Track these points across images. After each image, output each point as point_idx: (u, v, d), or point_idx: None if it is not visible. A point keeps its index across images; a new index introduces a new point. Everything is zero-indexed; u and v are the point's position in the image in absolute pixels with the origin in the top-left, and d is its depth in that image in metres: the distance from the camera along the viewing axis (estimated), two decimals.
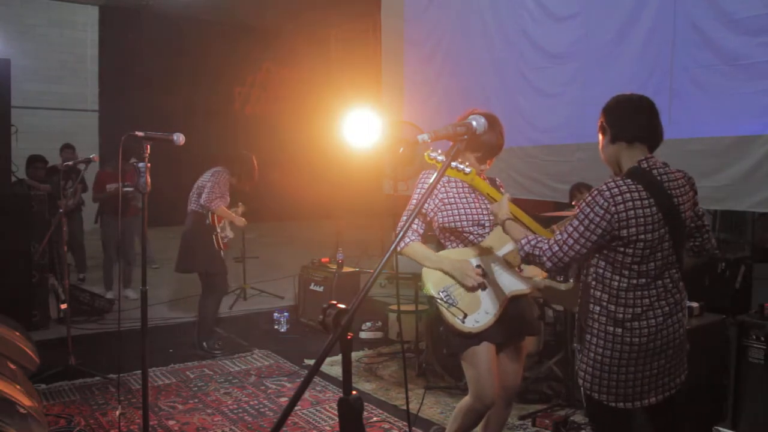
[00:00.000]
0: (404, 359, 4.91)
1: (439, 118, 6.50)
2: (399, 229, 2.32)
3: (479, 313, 2.72)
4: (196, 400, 4.31)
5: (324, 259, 6.45)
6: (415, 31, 7.54)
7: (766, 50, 4.32)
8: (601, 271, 2.24)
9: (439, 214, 2.82)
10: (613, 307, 2.20)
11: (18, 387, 3.16)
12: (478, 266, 2.78)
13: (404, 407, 3.94)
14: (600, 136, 2.38)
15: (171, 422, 3.93)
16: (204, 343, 5.28)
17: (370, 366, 5.02)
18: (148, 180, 3.13)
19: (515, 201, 2.60)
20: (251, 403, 4.28)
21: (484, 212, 2.82)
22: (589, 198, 2.19)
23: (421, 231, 2.86)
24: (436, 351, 4.51)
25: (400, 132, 6.20)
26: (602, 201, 2.14)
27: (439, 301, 2.74)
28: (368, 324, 5.89)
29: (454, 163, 2.53)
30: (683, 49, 4.81)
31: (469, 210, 2.80)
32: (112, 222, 7.19)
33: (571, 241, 2.18)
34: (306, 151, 14.53)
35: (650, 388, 2.24)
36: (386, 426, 3.90)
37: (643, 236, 2.14)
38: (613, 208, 2.12)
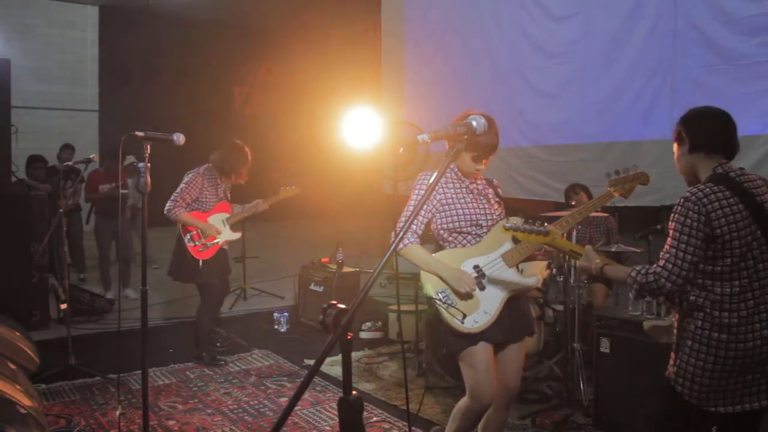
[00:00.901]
0: (404, 359, 4.91)
1: (438, 118, 6.50)
2: (398, 229, 2.33)
3: (478, 313, 2.73)
4: (196, 400, 4.30)
5: (324, 259, 6.44)
6: (415, 31, 7.54)
7: (766, 50, 4.33)
8: (700, 281, 2.22)
9: (438, 215, 2.82)
10: (717, 313, 2.18)
11: (18, 387, 3.16)
12: (476, 266, 2.78)
13: (404, 407, 3.94)
14: (676, 146, 2.38)
15: (171, 422, 3.93)
16: (204, 354, 5.05)
17: (370, 366, 5.02)
18: (148, 180, 3.13)
19: (515, 201, 2.61)
20: (251, 403, 4.28)
21: (481, 213, 2.82)
22: (678, 208, 2.18)
23: (420, 232, 2.87)
24: (436, 351, 4.51)
25: (400, 132, 6.20)
26: (692, 205, 2.15)
27: (437, 301, 2.75)
28: (368, 324, 5.89)
29: (529, 228, 2.47)
30: (683, 49, 4.81)
31: (467, 211, 2.80)
32: (104, 222, 7.16)
33: (680, 254, 2.16)
34: (306, 151, 14.53)
35: (751, 392, 2.20)
36: (386, 426, 3.90)
37: (736, 233, 2.13)
38: (704, 209, 2.13)
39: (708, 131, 2.29)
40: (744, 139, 4.38)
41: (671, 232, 2.20)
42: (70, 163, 5.78)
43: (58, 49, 13.50)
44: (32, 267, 5.92)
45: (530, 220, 2.58)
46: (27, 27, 13.04)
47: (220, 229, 4.98)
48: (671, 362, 2.32)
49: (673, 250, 2.17)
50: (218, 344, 5.33)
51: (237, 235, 5.16)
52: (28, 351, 4.05)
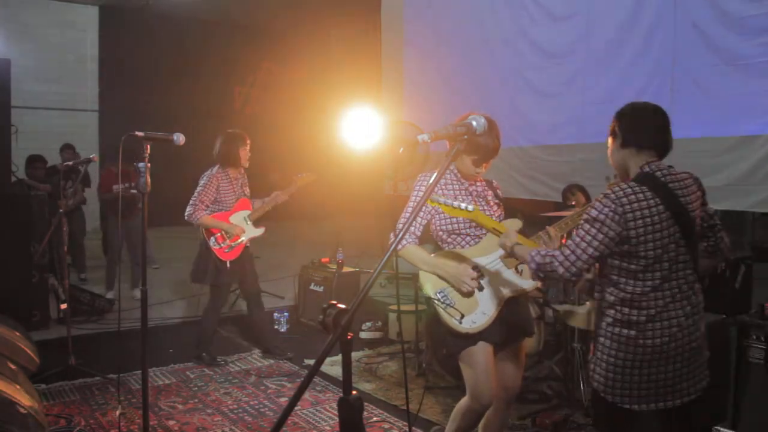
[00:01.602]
0: (404, 359, 4.91)
1: (438, 118, 6.50)
2: (398, 230, 2.33)
3: (476, 314, 2.73)
4: (196, 400, 4.30)
5: (324, 259, 6.44)
6: (415, 31, 7.54)
7: (766, 50, 4.33)
8: (614, 277, 2.25)
9: (437, 216, 2.82)
10: (627, 310, 2.21)
11: (18, 387, 3.16)
12: (475, 268, 2.78)
13: (404, 407, 3.94)
14: (610, 140, 2.41)
15: (171, 422, 3.93)
16: (204, 354, 5.04)
17: (370, 366, 5.02)
18: (148, 180, 3.13)
19: (516, 201, 2.61)
20: (251, 403, 4.28)
21: None
22: (595, 202, 2.20)
23: (419, 233, 2.87)
24: (436, 351, 4.49)
25: (400, 132, 6.20)
26: (609, 202, 2.17)
27: (436, 302, 2.75)
28: (368, 324, 5.89)
29: (455, 203, 2.51)
30: (684, 49, 4.81)
31: None
32: (117, 223, 7.18)
33: (584, 245, 2.19)
34: (306, 151, 14.53)
35: (666, 391, 2.23)
36: (386, 426, 3.90)
37: (651, 236, 2.15)
38: (620, 209, 2.15)
39: (639, 127, 2.30)
40: (744, 139, 4.41)
41: (582, 222, 2.23)
42: (70, 163, 5.78)
43: (58, 49, 13.49)
44: (32, 267, 5.92)
45: (457, 197, 2.67)
46: (27, 27, 13.03)
47: (244, 228, 4.95)
48: (590, 358, 2.36)
49: (578, 240, 2.21)
50: (218, 358, 5.15)
51: (261, 231, 5.09)
52: (28, 351, 4.06)
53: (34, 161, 7.76)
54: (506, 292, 2.78)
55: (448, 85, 6.96)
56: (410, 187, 2.79)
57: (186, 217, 4.76)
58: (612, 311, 2.25)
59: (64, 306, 5.15)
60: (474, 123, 2.05)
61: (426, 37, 7.34)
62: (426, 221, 2.86)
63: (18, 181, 7.41)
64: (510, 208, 3.05)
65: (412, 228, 2.83)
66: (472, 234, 2.81)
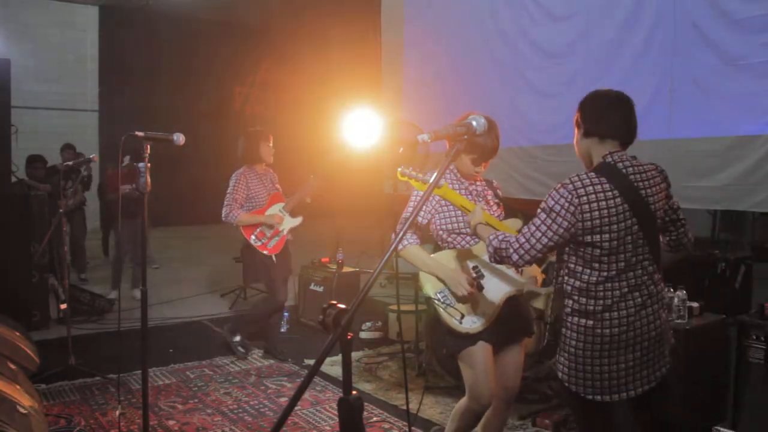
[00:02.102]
0: (404, 359, 4.91)
1: (438, 118, 6.49)
2: (398, 230, 2.33)
3: (477, 314, 2.73)
4: (196, 400, 4.31)
5: (324, 259, 6.45)
6: (414, 31, 7.54)
7: (766, 50, 4.32)
8: (572, 266, 2.26)
9: (437, 216, 2.82)
10: (584, 300, 2.22)
11: (18, 387, 3.16)
12: (475, 267, 2.78)
13: (404, 407, 3.94)
14: (575, 130, 2.40)
15: (171, 422, 3.93)
16: (234, 337, 5.06)
17: (370, 366, 5.02)
18: (148, 180, 3.13)
19: (516, 201, 2.61)
20: (251, 403, 4.28)
21: None
22: (553, 192, 2.20)
23: (420, 233, 2.87)
24: (436, 351, 4.51)
25: (400, 132, 6.20)
26: (565, 193, 2.16)
27: (436, 302, 2.75)
28: (368, 324, 5.89)
29: (420, 176, 2.56)
30: (683, 49, 4.81)
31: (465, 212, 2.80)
32: (125, 223, 7.21)
33: (538, 234, 2.20)
34: (306, 151, 14.52)
35: (627, 381, 2.24)
36: (386, 426, 3.90)
37: (608, 227, 2.15)
38: (576, 200, 2.14)
39: (601, 116, 2.29)
40: (744, 139, 4.41)
41: (539, 211, 2.23)
42: (70, 163, 5.78)
43: (58, 49, 13.50)
44: (32, 267, 5.92)
45: (426, 171, 2.68)
46: (27, 27, 13.04)
47: (282, 216, 5.00)
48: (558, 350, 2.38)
49: (533, 228, 2.22)
50: (241, 348, 5.20)
51: (299, 220, 5.12)
52: (28, 351, 4.06)
53: (34, 161, 7.77)
54: (506, 291, 2.78)
55: (448, 85, 6.96)
56: (410, 187, 2.79)
57: (223, 218, 4.82)
58: (570, 301, 2.26)
59: (64, 306, 5.15)
60: (474, 123, 2.05)
61: (426, 37, 7.33)
62: (426, 221, 2.86)
63: (18, 181, 7.41)
64: (510, 208, 3.05)
65: (413, 228, 2.83)
66: (472, 234, 2.81)
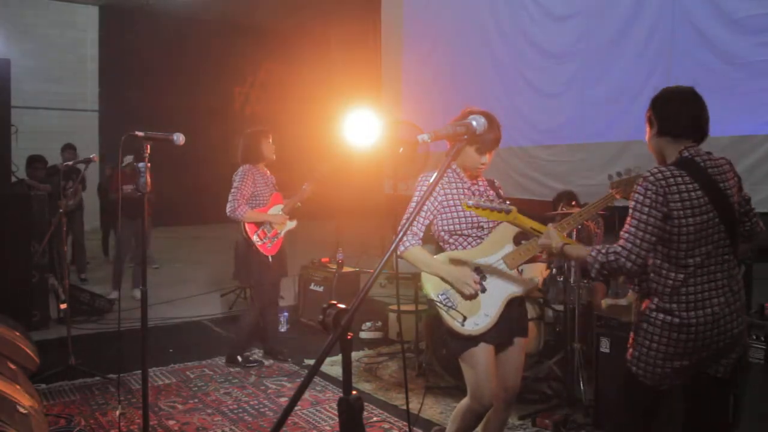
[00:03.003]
0: (404, 359, 4.91)
1: (438, 118, 6.50)
2: (399, 230, 2.32)
3: (479, 315, 2.73)
4: (196, 400, 4.31)
5: (324, 259, 6.44)
6: (413, 30, 7.55)
7: (764, 50, 4.33)
8: (658, 264, 2.25)
9: (439, 216, 2.82)
10: (668, 298, 2.23)
11: (18, 387, 3.16)
12: (477, 269, 2.78)
13: (404, 407, 3.94)
14: (647, 127, 2.39)
15: (171, 422, 3.93)
16: (238, 357, 5.01)
17: (370, 366, 5.02)
18: (148, 180, 3.13)
19: (516, 201, 2.59)
20: (251, 403, 4.28)
21: None
22: (638, 187, 2.21)
23: (421, 234, 2.86)
24: (436, 351, 4.51)
25: (400, 131, 6.20)
26: (650, 185, 2.17)
27: (438, 304, 2.74)
28: (368, 324, 5.89)
29: (491, 205, 2.47)
30: (682, 48, 4.82)
31: (468, 212, 2.79)
32: (126, 224, 7.23)
33: (639, 233, 2.18)
34: (306, 151, 14.52)
35: (703, 366, 2.27)
36: (386, 426, 3.90)
37: (691, 219, 2.15)
38: (662, 190, 2.15)
39: (674, 116, 2.29)
40: (743, 139, 4.41)
41: (631, 211, 2.22)
42: (70, 163, 5.78)
43: (58, 49, 13.51)
44: (32, 267, 5.92)
45: (492, 198, 2.61)
46: (27, 27, 13.05)
47: (285, 217, 4.99)
48: (629, 342, 2.36)
49: (633, 229, 2.19)
50: (253, 358, 5.14)
51: (294, 223, 5.14)
52: (28, 351, 4.06)
53: (34, 162, 7.77)
54: (508, 293, 2.78)
55: (447, 85, 6.97)
56: (410, 186, 2.78)
57: (229, 213, 4.74)
58: (655, 298, 2.26)
59: (64, 306, 5.15)
60: (474, 123, 2.05)
61: (425, 37, 7.34)
62: (428, 221, 2.85)
63: (18, 181, 7.41)
64: None
65: (415, 229, 2.81)
66: (474, 235, 2.81)
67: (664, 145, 2.32)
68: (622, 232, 2.23)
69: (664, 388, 2.28)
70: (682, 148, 2.27)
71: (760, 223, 2.44)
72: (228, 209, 4.73)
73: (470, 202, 2.47)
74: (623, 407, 2.56)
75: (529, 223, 2.55)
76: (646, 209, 2.17)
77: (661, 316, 2.24)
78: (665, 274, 2.23)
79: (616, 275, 2.36)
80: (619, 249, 2.20)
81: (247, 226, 4.80)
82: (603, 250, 2.25)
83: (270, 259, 4.88)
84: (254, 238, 4.83)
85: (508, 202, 2.56)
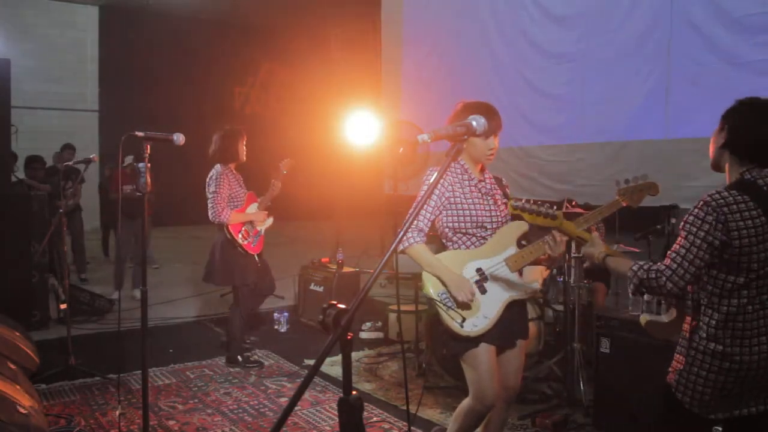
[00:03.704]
0: (404, 359, 4.91)
1: (437, 118, 6.49)
2: (401, 227, 2.31)
3: (477, 317, 2.72)
4: (196, 400, 4.31)
5: (324, 259, 6.44)
6: (413, 30, 7.56)
7: (763, 49, 4.33)
8: (710, 287, 2.14)
9: (444, 213, 2.81)
10: (721, 326, 2.12)
11: (18, 387, 3.16)
12: (479, 269, 2.77)
13: (404, 407, 3.94)
14: (717, 129, 2.27)
15: (171, 422, 3.93)
16: (239, 357, 5.01)
17: (370, 366, 5.02)
18: (149, 180, 3.13)
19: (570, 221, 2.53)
20: (251, 403, 4.28)
21: (486, 214, 2.81)
22: (695, 210, 2.10)
23: (426, 230, 2.84)
24: (436, 351, 4.51)
25: (400, 132, 6.20)
26: (711, 210, 2.05)
27: (438, 303, 2.74)
28: (368, 324, 5.89)
29: (537, 209, 2.43)
30: (680, 48, 4.82)
31: (472, 211, 2.79)
32: (126, 223, 7.26)
33: (690, 256, 2.07)
34: (306, 151, 14.52)
35: (749, 399, 2.15)
36: (386, 426, 3.90)
37: (755, 247, 2.04)
38: (723, 217, 2.04)
39: (749, 138, 2.15)
40: None
41: (683, 232, 2.11)
42: (70, 163, 5.78)
43: (58, 49, 13.51)
44: (32, 267, 5.92)
45: (539, 202, 2.53)
46: (27, 27, 13.05)
47: (265, 214, 5.06)
48: (672, 366, 2.27)
49: (683, 251, 2.09)
50: (252, 359, 5.13)
51: (271, 220, 5.19)
52: (28, 351, 4.06)
53: (33, 162, 7.77)
54: (509, 295, 2.77)
55: (447, 85, 6.97)
56: (410, 187, 2.79)
57: (212, 219, 4.77)
58: (705, 326, 2.15)
59: (64, 306, 5.14)
60: (474, 123, 2.05)
61: (425, 37, 7.34)
62: (434, 217, 2.84)
63: (18, 181, 7.41)
64: None
65: (421, 224, 2.79)
66: (477, 234, 2.80)
67: (727, 160, 2.21)
68: (669, 252, 2.13)
69: (712, 417, 2.16)
70: (744, 169, 2.14)
71: None
72: (211, 215, 4.76)
73: (516, 204, 2.43)
74: None
75: (576, 232, 2.48)
76: (702, 234, 2.05)
77: (711, 345, 2.13)
78: (717, 301, 2.12)
79: (654, 294, 2.25)
80: (663, 268, 2.10)
81: (231, 227, 4.82)
82: (645, 267, 2.15)
83: (256, 258, 4.96)
84: (239, 238, 4.85)
85: (555, 207, 2.49)
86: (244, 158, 5.02)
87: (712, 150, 2.28)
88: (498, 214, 2.84)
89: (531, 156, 6.07)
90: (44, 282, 6.09)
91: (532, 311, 4.29)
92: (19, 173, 7.81)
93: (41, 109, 12.97)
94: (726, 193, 2.08)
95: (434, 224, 2.86)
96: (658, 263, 2.15)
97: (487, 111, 2.68)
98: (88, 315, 6.35)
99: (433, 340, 4.52)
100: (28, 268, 5.89)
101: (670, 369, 2.29)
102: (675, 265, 2.09)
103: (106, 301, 6.56)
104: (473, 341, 2.72)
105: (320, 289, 6.13)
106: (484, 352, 2.73)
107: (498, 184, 2.96)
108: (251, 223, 4.95)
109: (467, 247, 2.81)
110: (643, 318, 2.61)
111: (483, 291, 2.74)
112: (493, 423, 2.95)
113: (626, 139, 5.25)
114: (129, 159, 6.77)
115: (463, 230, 2.79)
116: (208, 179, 4.88)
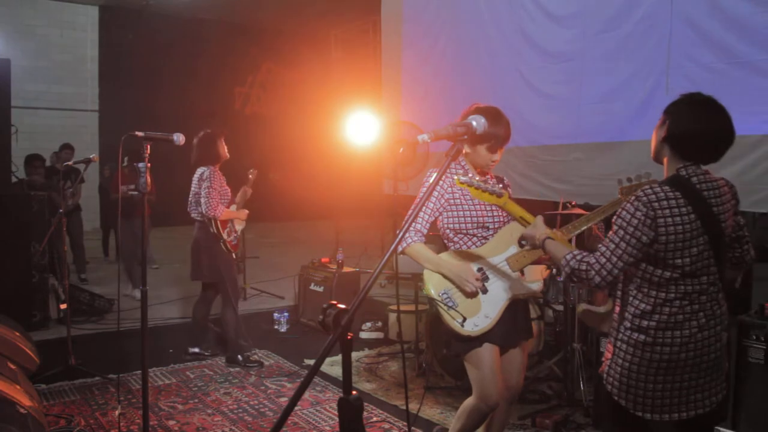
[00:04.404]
0: (403, 359, 4.91)
1: (435, 118, 6.50)
2: (401, 227, 2.31)
3: (479, 316, 2.72)
4: (196, 400, 4.31)
5: (324, 259, 6.45)
6: (413, 30, 7.56)
7: (762, 49, 4.32)
8: (638, 280, 2.18)
9: (445, 214, 2.81)
10: (647, 316, 2.15)
11: (18, 387, 3.16)
12: (480, 269, 2.77)
13: (404, 407, 3.94)
14: (659, 123, 2.27)
15: (171, 422, 3.93)
16: (239, 356, 5.04)
17: (371, 366, 5.02)
18: (148, 180, 3.13)
19: (517, 201, 2.57)
20: (251, 403, 4.28)
21: (488, 215, 2.81)
22: (627, 205, 2.13)
23: (425, 231, 2.85)
24: (436, 351, 4.51)
25: (400, 132, 6.20)
26: (641, 206, 2.08)
27: (438, 302, 2.74)
28: (368, 324, 5.89)
29: (483, 185, 2.44)
30: (679, 47, 4.80)
31: (474, 212, 2.79)
32: (125, 223, 7.29)
33: (619, 252, 2.10)
34: (306, 151, 14.53)
35: (679, 402, 2.16)
36: (386, 426, 3.90)
37: (681, 244, 2.07)
38: (652, 213, 2.07)
39: (686, 134, 2.16)
40: (741, 139, 4.38)
41: (614, 226, 2.14)
42: (70, 163, 5.79)
43: (58, 49, 13.51)
44: (32, 267, 5.93)
45: (486, 179, 2.57)
46: (27, 27, 13.06)
47: (246, 212, 5.25)
48: (605, 356, 2.29)
49: (612, 246, 2.12)
50: (252, 359, 5.14)
51: (244, 224, 5.34)
52: (28, 351, 4.06)
53: (33, 160, 7.78)
54: (510, 295, 2.77)
55: (447, 85, 6.97)
56: (410, 187, 2.79)
57: (207, 213, 4.83)
58: (630, 316, 2.19)
59: (64, 306, 5.15)
60: (474, 123, 2.06)
61: (424, 37, 7.34)
62: (433, 219, 2.84)
63: (18, 181, 7.41)
64: None
65: (419, 226, 2.80)
66: (479, 235, 2.80)
67: (666, 154, 2.22)
68: (600, 245, 2.17)
69: (639, 415, 2.18)
70: (681, 165, 2.17)
71: (751, 251, 2.36)
72: (204, 209, 4.83)
73: (462, 179, 2.45)
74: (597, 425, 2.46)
75: (519, 212, 2.50)
76: (631, 229, 2.09)
77: (635, 335, 2.17)
78: (646, 292, 2.16)
79: (584, 285, 2.26)
80: (593, 261, 2.14)
81: (219, 224, 4.92)
82: (578, 257, 2.18)
83: (234, 256, 5.12)
84: (224, 234, 4.98)
85: (501, 185, 2.55)
86: (227, 155, 5.11)
87: (653, 143, 2.29)
88: (500, 214, 2.84)
89: (529, 156, 6.06)
90: (44, 282, 6.09)
91: (532, 311, 4.28)
92: (19, 173, 7.81)
93: (41, 109, 12.98)
94: (658, 189, 2.11)
95: (435, 225, 2.86)
96: (591, 255, 2.17)
97: (497, 118, 2.69)
98: (88, 315, 6.36)
99: (433, 340, 4.52)
100: (28, 268, 5.89)
101: (603, 359, 2.32)
102: (604, 260, 2.12)
103: (105, 301, 6.57)
104: (476, 341, 2.72)
105: (320, 289, 6.13)
106: (487, 351, 2.73)
107: (499, 182, 2.96)
108: (232, 222, 5.10)
109: (468, 248, 2.81)
110: (580, 307, 2.60)
111: (484, 290, 2.74)
112: (495, 422, 2.95)
113: (625, 139, 5.25)
114: (125, 160, 6.79)
115: (464, 231, 2.79)
116: (199, 177, 4.97)
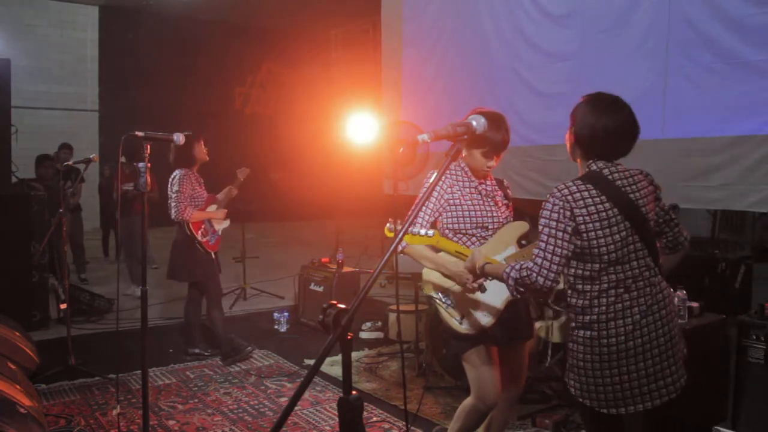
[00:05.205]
0: (403, 359, 4.91)
1: (435, 118, 6.50)
2: (403, 228, 2.32)
3: (477, 315, 2.72)
4: (196, 400, 4.31)
5: (324, 259, 6.45)
6: (413, 30, 7.55)
7: (762, 48, 4.31)
8: (571, 279, 2.23)
9: (444, 214, 2.81)
10: (588, 311, 2.19)
11: (18, 387, 3.17)
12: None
13: (404, 407, 3.94)
14: (570, 127, 2.37)
15: (171, 422, 3.93)
16: (235, 357, 5.09)
17: (370, 366, 5.02)
18: (148, 180, 3.13)
19: (517, 201, 2.59)
20: (251, 403, 4.28)
21: (488, 215, 2.81)
22: (545, 204, 2.19)
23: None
24: (436, 351, 4.52)
25: (400, 132, 6.20)
26: (557, 201, 2.15)
27: (437, 301, 2.74)
28: (368, 324, 5.89)
29: (416, 230, 2.56)
30: (678, 47, 4.79)
31: (473, 212, 2.79)
32: (125, 222, 7.31)
33: (551, 248, 2.15)
34: (306, 151, 14.53)
35: (641, 392, 2.18)
36: (386, 426, 3.90)
37: (600, 231, 2.13)
38: (568, 205, 2.13)
39: (591, 131, 2.25)
40: (740, 139, 4.40)
41: (540, 227, 2.19)
42: (69, 162, 5.79)
43: (58, 49, 13.51)
44: (32, 267, 5.93)
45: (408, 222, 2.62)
46: (27, 27, 13.05)
47: (225, 212, 5.27)
48: (568, 359, 2.33)
49: (544, 245, 2.16)
50: (245, 351, 5.21)
51: (228, 222, 5.38)
52: (28, 351, 4.07)
53: (44, 160, 7.83)
54: (508, 294, 2.77)
55: (447, 85, 6.96)
56: (410, 187, 2.79)
57: (175, 218, 4.94)
58: (574, 315, 2.24)
59: (64, 306, 5.15)
60: (474, 123, 2.06)
61: (423, 37, 7.34)
62: (433, 219, 2.84)
63: (18, 181, 7.41)
64: (517, 210, 3.04)
65: (418, 226, 2.81)
66: (478, 235, 2.80)
67: (577, 153, 2.31)
68: (533, 250, 2.22)
69: (604, 411, 2.19)
70: (590, 161, 2.25)
71: (684, 233, 2.39)
72: (173, 213, 4.92)
73: (389, 226, 2.63)
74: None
75: (454, 247, 2.62)
76: (554, 223, 2.14)
77: (580, 332, 2.21)
78: (581, 288, 2.20)
79: (532, 293, 2.30)
80: (531, 265, 2.17)
81: (192, 225, 4.98)
82: (517, 267, 2.22)
83: (213, 256, 5.13)
84: (198, 235, 5.03)
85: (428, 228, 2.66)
86: (206, 158, 5.15)
87: (567, 145, 2.38)
88: (499, 214, 2.85)
89: (528, 155, 6.06)
90: (44, 282, 6.09)
91: (532, 311, 4.29)
92: (19, 173, 7.81)
93: (41, 109, 12.97)
94: (570, 184, 2.18)
95: (436, 225, 2.86)
96: (528, 261, 2.22)
97: (497, 123, 2.68)
98: (88, 315, 6.36)
99: (433, 340, 4.53)
100: (28, 268, 5.89)
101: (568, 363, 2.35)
102: (540, 260, 2.16)
103: (105, 301, 6.57)
104: (474, 340, 2.72)
105: (320, 289, 6.13)
106: (485, 351, 2.73)
107: (499, 186, 2.97)
108: (210, 222, 5.13)
109: (468, 247, 2.82)
110: (538, 325, 2.68)
111: (483, 290, 2.75)
112: (495, 423, 2.95)
113: None
114: (122, 160, 6.80)
115: (464, 231, 2.79)
116: (170, 180, 5.02)
